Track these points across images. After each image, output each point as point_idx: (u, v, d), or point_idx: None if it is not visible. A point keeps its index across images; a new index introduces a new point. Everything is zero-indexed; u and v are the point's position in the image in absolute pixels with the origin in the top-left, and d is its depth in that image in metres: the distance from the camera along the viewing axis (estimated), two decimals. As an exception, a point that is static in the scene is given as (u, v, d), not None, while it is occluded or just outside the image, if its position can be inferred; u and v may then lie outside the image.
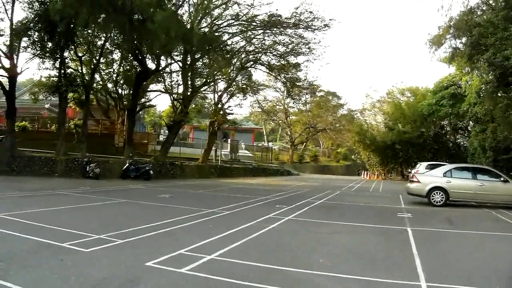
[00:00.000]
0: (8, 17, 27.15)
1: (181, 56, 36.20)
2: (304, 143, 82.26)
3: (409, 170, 45.64)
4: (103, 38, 32.28)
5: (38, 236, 8.97)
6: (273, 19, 35.75)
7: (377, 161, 59.77)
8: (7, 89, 28.21)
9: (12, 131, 28.39)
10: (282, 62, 41.91)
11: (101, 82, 40.45)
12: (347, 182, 41.61)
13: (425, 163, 30.53)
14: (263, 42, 39.98)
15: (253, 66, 43.19)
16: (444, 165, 23.89)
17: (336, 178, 53.14)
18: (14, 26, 27.10)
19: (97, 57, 32.95)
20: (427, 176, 20.69)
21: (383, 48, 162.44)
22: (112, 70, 40.54)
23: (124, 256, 7.80)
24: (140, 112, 46.79)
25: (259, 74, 78.40)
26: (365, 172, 63.02)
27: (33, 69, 73.91)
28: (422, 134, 52.14)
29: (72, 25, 26.78)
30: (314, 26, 37.01)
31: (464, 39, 28.81)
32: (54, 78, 30.16)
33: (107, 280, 6.30)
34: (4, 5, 27.28)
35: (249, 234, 10.33)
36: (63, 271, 6.68)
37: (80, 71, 31.90)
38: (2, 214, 11.46)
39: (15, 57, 27.68)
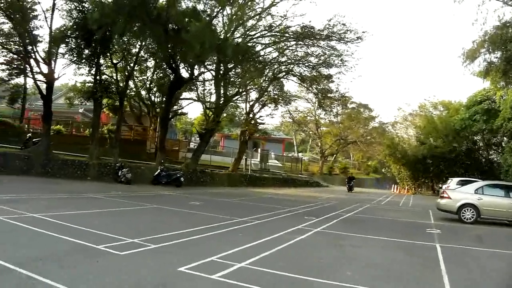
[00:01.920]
0: (48, 25, 27.96)
1: (214, 65, 36.58)
2: (334, 155, 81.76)
3: (440, 185, 45.08)
4: (138, 46, 32.89)
5: (74, 237, 9.25)
6: (305, 30, 35.85)
7: (407, 175, 59.12)
8: (45, 93, 28.95)
9: (47, 134, 29.08)
10: (314, 73, 41.91)
11: (134, 89, 41.14)
12: (376, 196, 41.30)
13: (457, 179, 30.15)
14: (295, 53, 40.15)
15: (285, 76, 43.30)
16: (476, 181, 23.47)
17: (365, 191, 52.73)
18: (52, 33, 27.86)
19: (132, 65, 33.57)
20: (458, 192, 20.36)
21: (416, 61, 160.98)
22: (145, 77, 41.25)
23: (157, 260, 7.99)
24: (172, 119, 47.29)
25: (291, 85, 78.78)
26: (395, 186, 62.40)
27: (69, 74, 75.40)
28: (454, 149, 51.41)
29: (108, 33, 27.35)
30: (347, 38, 36.99)
31: (499, 54, 28.52)
32: (89, 84, 30.85)
33: (141, 284, 6.49)
34: (44, 13, 28.10)
35: (278, 244, 10.42)
36: (99, 272, 6.91)
37: (115, 77, 32.55)
38: (40, 215, 11.85)
39: (52, 63, 28.41)
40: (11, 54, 28.81)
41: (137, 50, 33.21)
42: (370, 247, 11.46)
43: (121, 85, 32.95)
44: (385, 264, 9.36)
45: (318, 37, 36.85)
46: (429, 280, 8.26)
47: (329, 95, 47.40)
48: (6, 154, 25.98)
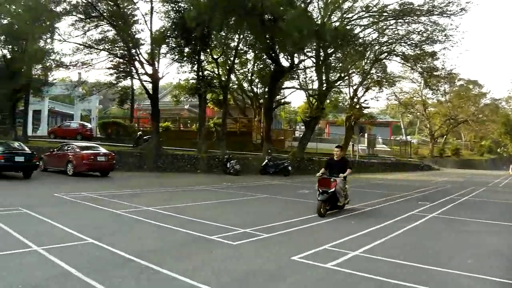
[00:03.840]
0: (148, 28, 29.36)
1: (314, 52, 36.20)
2: (445, 136, 78.40)
3: None
4: (236, 40, 33.33)
5: (188, 229, 9.51)
6: (404, 7, 34.36)
7: (527, 154, 55.34)
8: (151, 93, 30.26)
9: (157, 131, 30.40)
10: (418, 52, 40.22)
11: (236, 82, 41.81)
12: (493, 178, 38.91)
13: None
14: (396, 32, 38.70)
15: (387, 57, 42.00)
16: None
17: (480, 173, 49.79)
18: (153, 35, 29.06)
19: (232, 58, 34.03)
20: None
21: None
22: (246, 70, 41.82)
23: (270, 250, 7.96)
24: (276, 109, 47.56)
25: (394, 66, 76.27)
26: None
27: (172, 73, 78.46)
28: None
29: (206, 30, 27.97)
30: (450, 11, 34.85)
31: None
32: (193, 81, 31.81)
33: (255, 273, 6.48)
34: (143, 16, 29.52)
35: (393, 231, 10.05)
36: (213, 262, 6.99)
37: (217, 72, 33.25)
38: (155, 208, 12.42)
39: (156, 63, 29.67)
40: (117, 59, 30.38)
41: (236, 43, 33.73)
42: (493, 233, 10.64)
43: (223, 79, 33.61)
44: (508, 252, 8.64)
45: (418, 13, 35.17)
46: None
47: (435, 73, 45.24)
48: (121, 153, 27.39)
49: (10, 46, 28.93)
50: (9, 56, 29.16)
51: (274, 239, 8.88)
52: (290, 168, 29.92)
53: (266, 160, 30.14)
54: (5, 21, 28.52)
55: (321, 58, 35.99)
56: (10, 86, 28.01)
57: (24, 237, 8.13)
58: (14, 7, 27.85)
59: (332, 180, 12.15)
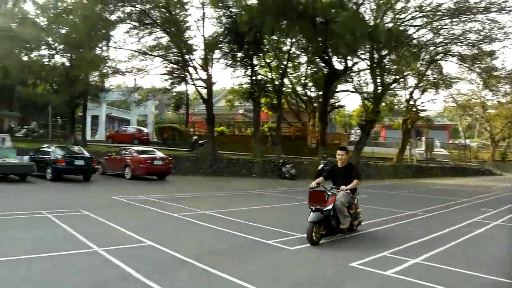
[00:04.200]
0: (201, 33, 29.83)
1: (368, 54, 35.63)
2: (507, 139, 75.50)
3: None
4: (288, 43, 33.24)
5: (245, 233, 9.50)
6: (460, 5, 33.25)
7: None
8: (205, 98, 30.63)
9: (212, 135, 30.73)
10: (475, 51, 38.87)
11: (290, 86, 41.67)
12: None
13: None
14: (451, 31, 37.52)
15: (443, 58, 40.90)
16: None
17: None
18: (206, 41, 29.45)
19: (285, 62, 33.95)
20: None
21: None
22: (300, 73, 41.57)
23: (328, 256, 7.84)
24: (330, 113, 47.17)
25: (450, 67, 74.49)
26: None
27: (226, 78, 79.23)
28: None
29: (258, 34, 28.06)
30: (509, 7, 33.50)
31: None
32: (246, 85, 32.03)
33: (312, 279, 6.38)
34: (196, 23, 29.98)
35: (454, 239, 9.68)
36: (271, 267, 6.95)
37: (270, 76, 33.30)
38: (212, 211, 12.54)
39: (209, 68, 30.07)
40: (171, 65, 30.95)
41: (288, 47, 33.69)
42: None
43: (276, 83, 33.62)
44: None
45: (474, 10, 33.85)
46: None
47: (494, 73, 43.58)
48: (177, 157, 27.81)
49: (69, 55, 29.86)
50: (68, 64, 30.11)
51: (332, 244, 8.75)
52: (346, 172, 29.49)
53: (322, 165, 29.77)
54: (63, 31, 29.48)
55: (375, 60, 35.39)
56: (69, 93, 28.93)
57: (85, 238, 8.37)
58: (71, 17, 28.75)
59: (329, 194, 9.27)
